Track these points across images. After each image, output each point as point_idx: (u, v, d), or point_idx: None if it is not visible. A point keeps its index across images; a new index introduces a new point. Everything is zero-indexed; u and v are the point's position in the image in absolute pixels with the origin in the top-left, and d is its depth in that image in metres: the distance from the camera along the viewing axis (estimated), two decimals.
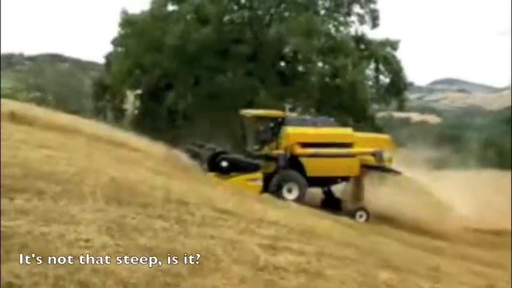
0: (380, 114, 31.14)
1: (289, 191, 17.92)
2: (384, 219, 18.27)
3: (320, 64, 27.59)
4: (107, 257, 5.12)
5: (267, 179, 17.87)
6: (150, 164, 13.78)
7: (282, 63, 28.91)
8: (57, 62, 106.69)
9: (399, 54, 31.28)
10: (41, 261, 4.57)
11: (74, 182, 7.56)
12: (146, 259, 5.33)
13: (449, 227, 18.54)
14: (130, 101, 34.99)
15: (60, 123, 16.24)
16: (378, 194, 18.99)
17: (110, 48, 33.73)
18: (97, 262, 4.91)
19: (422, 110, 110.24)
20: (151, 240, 6.02)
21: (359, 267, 8.29)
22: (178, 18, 27.43)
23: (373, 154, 19.46)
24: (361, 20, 29.74)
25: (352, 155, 19.24)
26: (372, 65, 29.64)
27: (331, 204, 19.51)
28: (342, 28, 29.87)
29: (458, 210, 18.78)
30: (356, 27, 30.03)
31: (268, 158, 18.97)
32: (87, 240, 5.39)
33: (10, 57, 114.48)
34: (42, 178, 7.33)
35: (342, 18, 29.97)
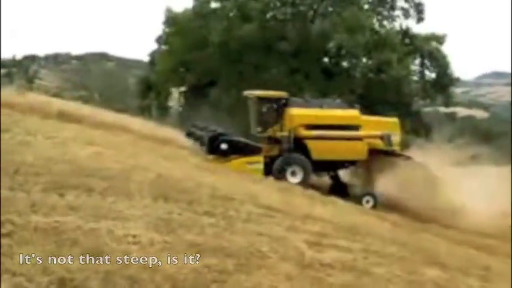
0: (426, 110, 30.53)
1: (293, 174, 17.15)
2: (394, 208, 17.42)
3: (364, 59, 27.32)
4: (154, 253, 5.17)
5: (270, 162, 17.22)
6: (196, 160, 13.88)
7: (326, 59, 28.69)
8: (102, 60, 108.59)
9: (445, 48, 30.60)
10: (91, 257, 4.65)
11: (121, 179, 7.67)
12: (193, 255, 5.37)
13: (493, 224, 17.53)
14: (175, 99, 35.32)
15: (107, 121, 16.50)
16: (388, 180, 18.28)
17: (154, 46, 34.15)
18: (145, 258, 4.97)
19: (469, 104, 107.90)
20: (198, 236, 6.06)
21: (406, 264, 8.17)
22: (221, 15, 27.54)
23: (381, 137, 18.45)
24: (406, 14, 29.28)
25: (359, 138, 18.28)
26: (417, 60, 29.17)
27: (338, 190, 18.45)
28: (386, 23, 29.49)
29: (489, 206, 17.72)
30: (401, 22, 29.62)
31: (272, 140, 18.26)
32: (135, 236, 5.45)
33: (57, 56, 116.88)
34: (91, 175, 7.46)
35: (386, 13, 29.56)
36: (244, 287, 5.09)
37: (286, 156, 17.38)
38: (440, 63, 28.70)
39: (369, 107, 23.08)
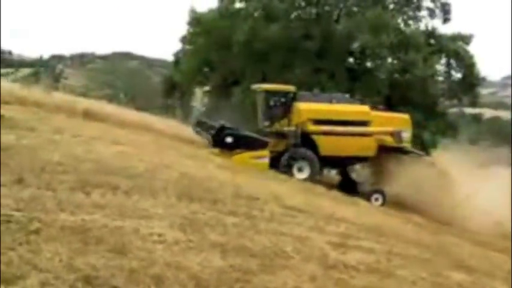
0: (451, 111, 30.14)
1: (300, 170, 16.85)
2: (404, 207, 17.05)
3: (389, 60, 27.12)
4: (179, 252, 5.20)
5: (277, 157, 16.90)
6: (219, 160, 13.92)
7: (351, 59, 28.51)
8: (127, 60, 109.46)
9: (471, 48, 30.20)
10: (116, 255, 4.69)
11: (146, 178, 7.72)
12: (217, 254, 5.39)
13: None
14: (199, 98, 35.44)
15: (131, 120, 16.64)
16: (398, 178, 17.93)
17: (178, 46, 34.30)
18: (170, 257, 5.00)
19: (495, 105, 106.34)
20: (222, 236, 6.07)
21: (430, 267, 8.11)
22: (246, 15, 27.52)
23: (392, 134, 18.13)
24: (432, 14, 29.00)
25: (369, 134, 17.87)
26: (443, 60, 28.87)
27: (347, 187, 18.06)
28: (411, 23, 29.25)
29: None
30: (426, 22, 29.36)
31: (279, 135, 17.87)
32: (160, 235, 5.49)
33: (82, 56, 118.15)
34: (116, 173, 7.52)
35: (411, 13, 29.33)
36: (267, 287, 5.09)
37: (293, 151, 17.08)
38: (466, 63, 28.34)
39: (394, 108, 22.88)
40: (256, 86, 19.31)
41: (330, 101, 18.24)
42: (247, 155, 16.08)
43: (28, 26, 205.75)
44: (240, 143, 16.28)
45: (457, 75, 29.06)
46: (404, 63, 25.95)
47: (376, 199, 17.18)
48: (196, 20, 29.12)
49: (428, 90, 26.41)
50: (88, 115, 14.35)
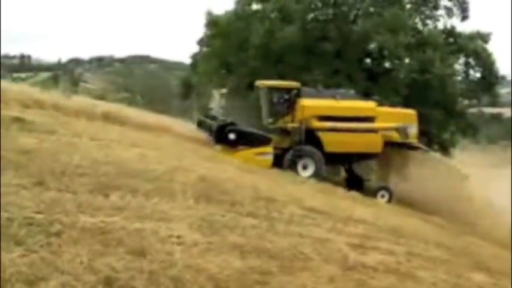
0: (471, 110, 29.81)
1: (305, 167, 16.55)
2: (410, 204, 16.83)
3: (407, 60, 26.95)
4: (198, 254, 5.22)
5: (281, 155, 16.64)
6: (237, 162, 13.93)
7: (368, 60, 28.36)
8: (145, 63, 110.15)
9: (490, 47, 29.87)
10: (136, 257, 4.72)
11: (165, 180, 7.75)
12: (236, 256, 5.40)
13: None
14: (216, 100, 35.52)
15: (149, 122, 16.68)
16: (404, 174, 17.70)
17: (195, 48, 34.37)
18: (189, 258, 5.02)
19: None
20: (241, 237, 6.09)
21: (451, 268, 8.07)
22: (262, 17, 27.52)
23: (397, 129, 17.75)
24: (450, 12, 28.77)
25: (374, 130, 17.59)
26: (462, 59, 28.65)
27: (353, 184, 17.71)
28: (429, 22, 29.06)
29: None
30: (444, 21, 29.12)
31: (283, 131, 17.58)
32: (179, 237, 5.51)
33: (100, 59, 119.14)
34: (135, 176, 7.56)
35: (429, 12, 29.12)
36: None
37: (297, 148, 16.83)
38: (485, 62, 28.05)
39: (413, 108, 22.73)
40: (259, 83, 19.15)
41: (334, 97, 17.97)
42: (250, 152, 15.86)
43: (47, 30, 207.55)
44: (243, 140, 16.05)
45: (476, 74, 28.79)
46: (423, 63, 25.74)
47: (383, 196, 16.95)
48: (213, 22, 29.15)
49: (447, 90, 26.16)
50: (107, 118, 14.41)
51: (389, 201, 16.77)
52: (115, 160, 8.30)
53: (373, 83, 26.24)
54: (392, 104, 21.65)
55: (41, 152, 7.60)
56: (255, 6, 29.10)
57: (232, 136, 15.93)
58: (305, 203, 9.23)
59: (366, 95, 20.32)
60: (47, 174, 6.46)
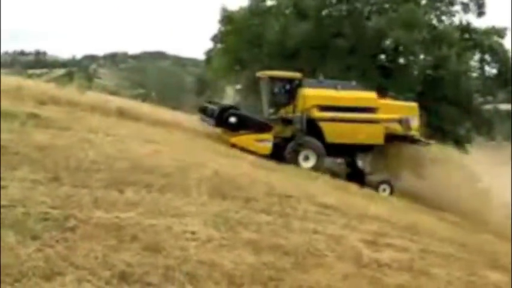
0: (486, 107, 29.56)
1: (306, 158, 16.37)
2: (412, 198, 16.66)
3: (422, 56, 26.79)
4: (212, 250, 5.23)
5: (282, 145, 16.40)
6: (251, 158, 13.92)
7: (383, 56, 28.26)
8: (159, 59, 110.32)
9: (507, 42, 29.53)
10: (150, 252, 4.74)
11: (179, 176, 7.76)
12: (250, 252, 5.40)
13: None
14: (230, 96, 35.53)
15: (163, 118, 16.72)
16: (406, 168, 17.51)
17: (210, 44, 34.44)
18: (203, 254, 5.03)
19: None
20: (255, 233, 6.09)
21: (466, 266, 8.02)
22: (277, 13, 27.55)
23: (400, 121, 17.48)
24: (466, 8, 28.54)
25: (376, 121, 17.34)
26: (477, 55, 28.43)
27: (355, 177, 17.29)
28: (444, 18, 28.86)
29: None
30: (460, 17, 28.88)
31: (284, 121, 17.30)
32: (193, 233, 5.53)
33: (115, 55, 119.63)
34: (149, 171, 7.58)
35: (444, 8, 28.94)
36: (301, 286, 5.09)
37: (298, 138, 16.62)
38: (501, 58, 27.81)
39: (428, 104, 22.59)
40: (260, 73, 19.05)
41: (336, 88, 17.77)
42: (250, 137, 15.76)
43: (62, 27, 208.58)
44: (243, 124, 15.95)
45: (492, 70, 28.55)
46: (438, 59, 25.57)
47: (384, 189, 16.73)
48: (228, 19, 29.18)
49: (462, 86, 25.97)
50: (121, 114, 14.45)
51: (390, 194, 16.59)
52: (129, 156, 8.33)
53: (387, 79, 26.11)
54: (406, 100, 21.49)
55: (56, 147, 7.65)
56: (270, 3, 29.10)
57: (232, 119, 15.83)
58: (319, 200, 9.20)
59: (379, 91, 20.14)
60: (63, 169, 6.50)
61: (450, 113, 25.51)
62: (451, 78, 25.38)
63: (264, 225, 6.57)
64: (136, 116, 14.95)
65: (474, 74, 28.31)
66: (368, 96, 18.00)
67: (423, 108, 24.93)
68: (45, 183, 5.90)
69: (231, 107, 16.56)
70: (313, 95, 17.27)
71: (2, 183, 5.55)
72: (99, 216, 5.25)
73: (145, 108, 18.73)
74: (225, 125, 15.90)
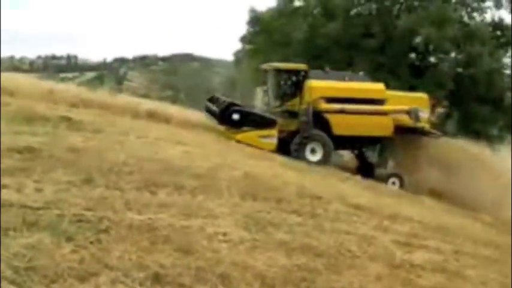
0: None
1: (313, 151, 15.98)
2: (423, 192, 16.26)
3: (453, 54, 26.46)
4: (244, 251, 5.23)
5: (288, 138, 16.09)
6: (281, 159, 13.92)
7: (413, 55, 27.97)
8: (188, 61, 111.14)
9: None
10: (183, 254, 4.76)
11: (210, 177, 7.79)
12: (283, 253, 5.39)
13: None
14: (260, 97, 35.56)
15: (193, 120, 16.83)
16: (416, 160, 17.14)
17: (238, 46, 34.52)
18: (235, 256, 5.03)
19: None
20: (287, 235, 6.07)
21: (500, 267, 7.90)
22: (305, 13, 27.51)
23: (408, 113, 17.00)
24: (498, 4, 28.09)
25: (384, 113, 16.95)
26: (510, 53, 27.99)
27: (364, 170, 17.03)
28: (475, 14, 28.46)
29: None
30: (492, 13, 28.44)
31: (290, 114, 17.01)
32: (225, 234, 5.53)
33: (144, 58, 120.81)
34: (181, 173, 7.62)
35: (475, 4, 28.53)
36: (333, 287, 5.06)
37: (305, 131, 16.28)
38: None
39: (459, 103, 22.31)
40: (266, 65, 18.86)
41: (343, 79, 17.49)
42: (254, 134, 15.49)
43: (92, 30, 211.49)
44: (247, 121, 15.65)
45: None
46: (469, 56, 25.21)
47: (393, 183, 16.42)
48: (256, 19, 29.25)
49: (495, 84, 25.56)
50: (152, 116, 14.60)
51: (401, 187, 16.26)
52: (161, 158, 8.40)
53: (418, 78, 25.84)
54: (438, 98, 21.22)
55: (88, 150, 7.75)
56: (298, 3, 29.09)
57: (236, 116, 15.58)
58: (350, 200, 9.17)
59: (411, 91, 19.93)
60: (95, 171, 6.57)
61: (482, 111, 25.14)
62: (483, 77, 25.00)
63: (296, 226, 6.56)
64: (166, 118, 15.07)
65: (507, 72, 27.83)
66: (376, 88, 17.66)
67: (455, 107, 24.62)
68: (79, 185, 5.97)
69: (232, 104, 16.29)
70: (320, 86, 16.94)
71: (38, 185, 5.64)
72: (132, 218, 5.29)
73: (174, 110, 18.87)
74: (229, 122, 15.65)
